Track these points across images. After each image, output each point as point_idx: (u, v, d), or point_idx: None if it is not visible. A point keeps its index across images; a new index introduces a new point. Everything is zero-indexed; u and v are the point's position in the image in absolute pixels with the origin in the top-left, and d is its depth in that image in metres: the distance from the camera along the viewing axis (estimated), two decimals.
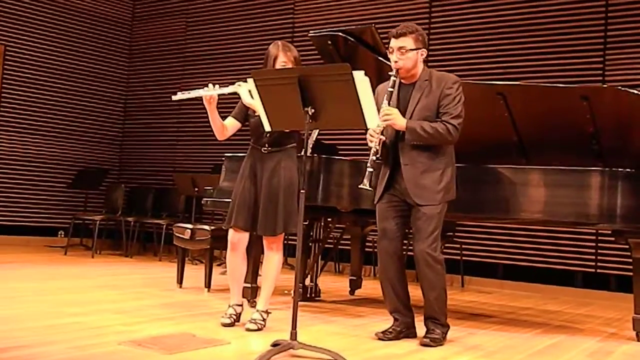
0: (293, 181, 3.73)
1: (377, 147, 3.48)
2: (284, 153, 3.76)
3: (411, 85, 3.63)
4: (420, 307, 3.71)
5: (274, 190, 3.70)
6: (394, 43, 3.58)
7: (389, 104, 3.55)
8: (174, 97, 3.80)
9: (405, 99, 3.61)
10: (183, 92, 3.78)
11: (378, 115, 3.25)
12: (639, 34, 6.59)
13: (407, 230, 3.81)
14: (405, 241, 3.89)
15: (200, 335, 3.42)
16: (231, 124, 3.87)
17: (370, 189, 3.47)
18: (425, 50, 3.63)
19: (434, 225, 3.55)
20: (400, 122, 3.51)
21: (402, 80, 3.65)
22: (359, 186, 3.47)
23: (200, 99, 3.76)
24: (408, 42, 3.56)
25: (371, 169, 3.45)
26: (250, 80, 3.27)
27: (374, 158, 3.47)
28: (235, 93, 3.79)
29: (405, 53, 3.55)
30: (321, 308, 4.78)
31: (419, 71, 3.63)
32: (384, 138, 3.54)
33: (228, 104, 4.06)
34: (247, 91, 3.68)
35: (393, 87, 3.57)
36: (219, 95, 3.71)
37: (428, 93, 3.57)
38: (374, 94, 3.14)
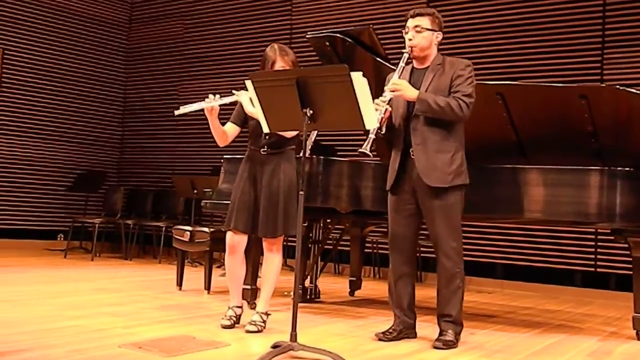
0: (292, 183, 3.73)
1: (382, 115, 3.45)
2: (283, 155, 3.76)
3: (424, 69, 3.63)
4: (422, 308, 3.70)
5: (274, 192, 3.70)
6: (410, 22, 3.59)
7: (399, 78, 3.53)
8: (176, 112, 3.79)
9: (418, 81, 3.60)
10: (185, 106, 3.78)
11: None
12: (636, 33, 6.60)
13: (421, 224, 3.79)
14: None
15: (200, 338, 3.41)
16: (231, 130, 3.87)
17: (369, 154, 3.44)
18: (440, 33, 3.63)
19: (451, 215, 3.54)
20: (410, 92, 3.48)
21: (415, 64, 3.66)
22: (359, 150, 3.44)
23: (199, 97, 3.75)
24: (425, 22, 3.57)
25: (373, 136, 3.42)
26: (249, 83, 3.28)
27: (378, 125, 3.42)
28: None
29: (421, 32, 3.55)
30: (321, 309, 4.78)
31: (433, 55, 3.63)
32: (390, 109, 3.52)
33: (226, 109, 4.05)
34: (248, 99, 3.66)
35: (405, 63, 3.56)
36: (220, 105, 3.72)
37: (440, 75, 3.56)
38: (372, 94, 3.14)
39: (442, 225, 3.54)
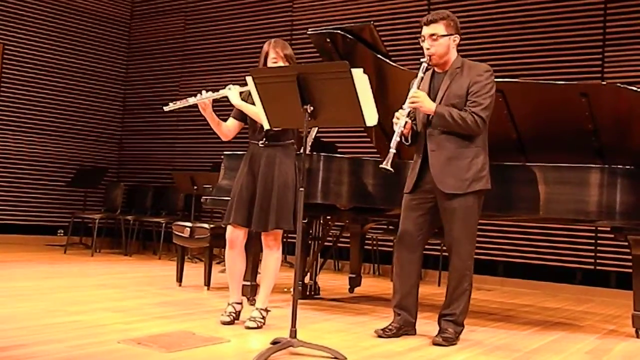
0: (288, 177, 3.72)
1: (402, 129, 3.44)
2: (280, 149, 3.76)
3: (444, 73, 3.61)
4: (422, 305, 3.70)
5: (269, 186, 3.70)
6: (425, 30, 3.55)
7: (418, 89, 3.51)
8: (165, 108, 3.81)
9: (437, 86, 3.60)
10: (175, 102, 3.80)
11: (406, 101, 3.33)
12: (637, 31, 6.59)
13: (434, 229, 3.78)
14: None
15: (199, 333, 3.42)
16: (232, 125, 3.89)
17: (391, 169, 3.37)
18: (458, 36, 3.60)
19: (468, 219, 3.52)
20: (428, 105, 3.48)
21: (436, 69, 3.64)
22: (380, 166, 3.39)
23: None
24: (439, 28, 3.53)
25: (394, 151, 3.37)
26: (249, 79, 3.28)
27: (398, 139, 3.40)
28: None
29: (437, 39, 3.52)
30: (321, 306, 4.78)
31: (452, 58, 3.61)
32: (409, 121, 3.50)
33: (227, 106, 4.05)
34: (236, 94, 3.76)
35: (424, 72, 3.55)
36: (212, 100, 3.74)
37: (459, 79, 3.54)
38: (372, 91, 3.13)
39: (459, 228, 3.53)
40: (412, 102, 3.46)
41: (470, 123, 3.45)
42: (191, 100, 3.72)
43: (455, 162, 3.51)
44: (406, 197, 3.70)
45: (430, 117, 3.54)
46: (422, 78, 3.55)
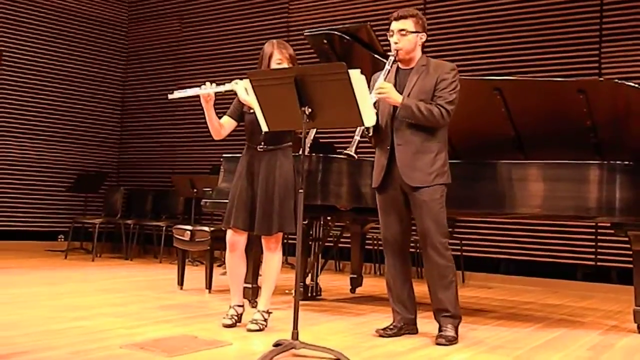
0: (289, 180, 3.73)
1: None
2: (279, 152, 3.76)
3: (409, 70, 3.65)
4: (423, 304, 3.70)
5: (270, 189, 3.70)
6: (394, 25, 3.61)
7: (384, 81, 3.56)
8: (170, 96, 3.79)
9: (403, 82, 3.63)
10: (179, 90, 3.78)
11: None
12: (634, 27, 6.59)
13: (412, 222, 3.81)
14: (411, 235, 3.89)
15: (202, 337, 3.42)
16: (227, 123, 3.87)
17: (354, 155, 3.47)
18: (424, 34, 3.66)
19: (437, 210, 3.55)
20: (395, 96, 3.52)
21: (400, 65, 3.68)
22: (344, 151, 3.47)
23: (197, 99, 3.77)
24: (408, 24, 3.59)
25: (358, 138, 3.47)
26: (247, 81, 3.28)
27: (363, 128, 3.47)
28: (232, 92, 3.79)
29: (405, 35, 3.57)
30: (322, 307, 4.78)
31: (417, 56, 3.66)
32: (375, 110, 3.51)
33: (224, 103, 4.05)
34: (243, 88, 3.68)
35: (390, 66, 3.60)
36: (215, 93, 3.71)
37: (425, 77, 3.59)
38: (369, 90, 3.14)
39: (429, 221, 3.55)
40: (379, 93, 3.50)
41: (436, 115, 3.49)
42: (197, 91, 3.70)
43: (421, 156, 3.55)
44: (379, 199, 3.74)
45: (397, 110, 3.57)
46: (389, 71, 3.60)
